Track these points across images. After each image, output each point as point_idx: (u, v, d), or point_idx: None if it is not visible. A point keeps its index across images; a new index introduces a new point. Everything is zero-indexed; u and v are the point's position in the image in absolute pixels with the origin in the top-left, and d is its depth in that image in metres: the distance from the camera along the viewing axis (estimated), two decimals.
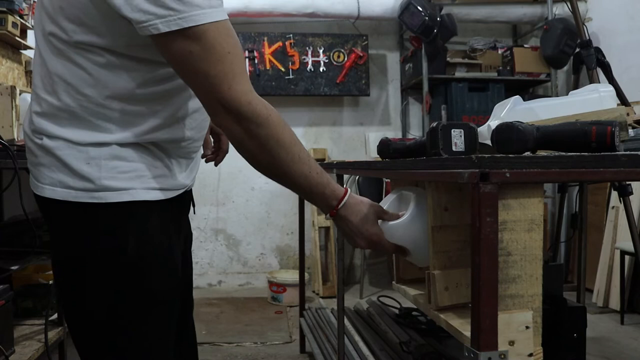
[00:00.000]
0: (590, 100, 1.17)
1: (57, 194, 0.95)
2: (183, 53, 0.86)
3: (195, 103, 1.03)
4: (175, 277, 1.01)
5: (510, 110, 1.22)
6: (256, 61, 4.11)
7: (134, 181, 0.96)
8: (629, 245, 2.77)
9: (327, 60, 4.17)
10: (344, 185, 1.10)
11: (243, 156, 0.96)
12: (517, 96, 1.27)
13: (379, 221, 1.10)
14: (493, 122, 1.15)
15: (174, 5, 0.82)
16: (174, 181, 1.02)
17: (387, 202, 1.23)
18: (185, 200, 1.13)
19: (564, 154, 0.77)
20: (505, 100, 1.27)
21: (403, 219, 1.11)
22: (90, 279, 0.95)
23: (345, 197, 1.02)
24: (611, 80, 2.39)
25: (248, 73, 0.92)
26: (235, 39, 0.90)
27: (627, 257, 3.12)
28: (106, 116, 0.94)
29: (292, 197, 4.25)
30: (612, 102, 1.16)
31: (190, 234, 1.24)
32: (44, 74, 0.96)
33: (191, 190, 1.18)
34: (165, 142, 1.00)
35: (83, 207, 0.94)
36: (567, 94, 1.31)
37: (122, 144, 0.95)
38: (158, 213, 0.99)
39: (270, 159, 0.93)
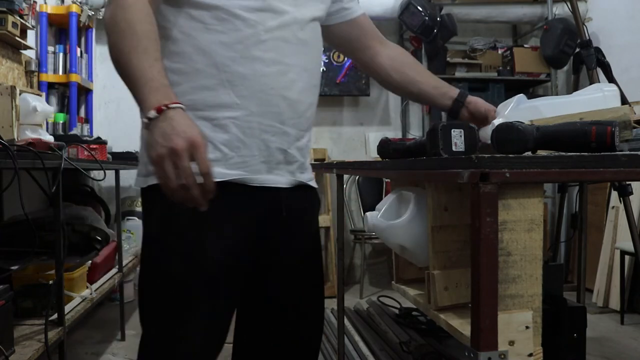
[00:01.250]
0: (594, 100, 1.17)
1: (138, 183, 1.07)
2: None
3: (249, 63, 1.00)
4: (198, 266, 1.00)
5: (515, 109, 1.22)
6: None
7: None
8: (629, 245, 2.77)
9: (327, 60, 4.17)
10: (344, 186, 1.09)
11: None
12: (521, 94, 1.28)
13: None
14: (497, 121, 1.15)
15: None
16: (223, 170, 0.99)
17: (387, 202, 1.23)
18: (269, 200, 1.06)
19: (563, 154, 0.77)
20: (509, 99, 1.28)
21: (403, 218, 1.11)
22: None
23: (179, 104, 0.88)
24: (611, 80, 2.39)
25: None
26: None
27: (627, 257, 3.12)
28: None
29: None
30: (616, 101, 1.16)
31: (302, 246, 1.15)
32: None
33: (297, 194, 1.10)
34: (192, 108, 0.96)
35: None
36: (567, 94, 1.31)
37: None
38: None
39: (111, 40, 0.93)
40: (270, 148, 1.04)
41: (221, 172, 0.99)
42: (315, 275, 1.18)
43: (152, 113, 0.84)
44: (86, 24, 3.66)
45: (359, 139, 4.45)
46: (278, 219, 1.08)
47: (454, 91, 1.35)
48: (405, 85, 1.34)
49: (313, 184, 1.16)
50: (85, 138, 2.99)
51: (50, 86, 3.43)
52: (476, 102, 1.37)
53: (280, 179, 1.07)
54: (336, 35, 1.31)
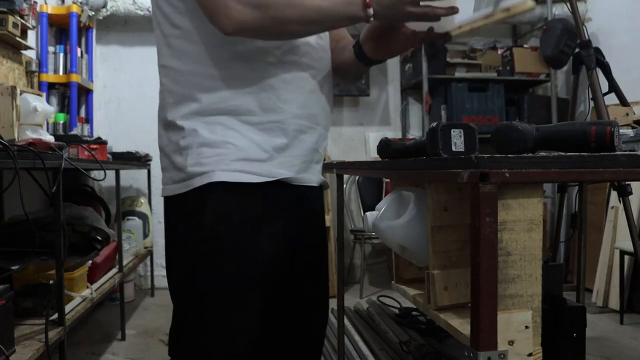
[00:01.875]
0: None
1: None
2: None
3: (288, 67, 1.04)
4: (248, 264, 1.01)
5: None
6: None
7: (214, 164, 0.99)
8: (628, 245, 2.77)
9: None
10: (344, 186, 1.10)
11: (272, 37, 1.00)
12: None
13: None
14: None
15: None
16: (256, 166, 1.01)
17: (387, 202, 1.23)
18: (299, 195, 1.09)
19: (563, 154, 0.77)
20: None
21: (403, 218, 1.11)
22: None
23: None
24: (611, 80, 2.39)
25: None
26: None
27: (626, 257, 3.13)
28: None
29: None
30: None
31: (314, 245, 1.18)
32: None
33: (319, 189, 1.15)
34: (235, 113, 1.00)
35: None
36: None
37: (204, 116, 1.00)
38: (238, 196, 0.99)
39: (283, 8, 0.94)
40: (308, 148, 1.09)
41: (270, 172, 1.02)
42: (326, 270, 1.23)
43: (370, 12, 0.95)
44: (86, 24, 3.66)
45: (359, 139, 4.45)
46: (311, 216, 1.14)
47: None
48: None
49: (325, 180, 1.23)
50: (85, 138, 3.00)
51: (51, 86, 3.43)
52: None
53: (314, 178, 1.12)
54: None
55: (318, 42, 1.12)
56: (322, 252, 1.21)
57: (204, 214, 1.01)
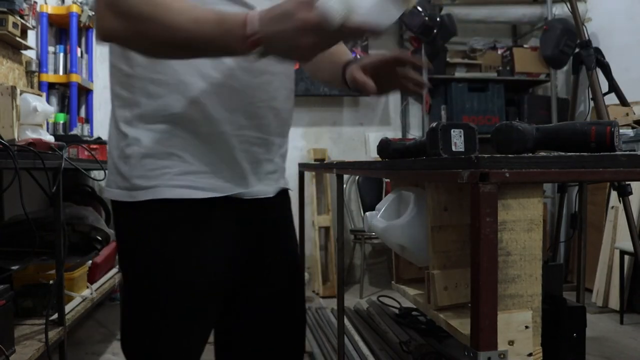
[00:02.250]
0: None
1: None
2: None
3: (238, 74, 0.95)
4: (189, 285, 1.00)
5: None
6: None
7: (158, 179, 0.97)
8: (628, 245, 2.77)
9: None
10: (344, 186, 1.08)
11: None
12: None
13: (379, 218, 1.10)
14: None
15: None
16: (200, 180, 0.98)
17: (387, 202, 1.23)
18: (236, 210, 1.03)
19: (563, 154, 0.77)
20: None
21: (402, 218, 1.11)
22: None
23: (250, 15, 0.77)
24: (611, 80, 2.39)
25: None
26: None
27: (626, 257, 3.13)
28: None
29: (292, 198, 4.25)
30: None
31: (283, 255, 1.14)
32: None
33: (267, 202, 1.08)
34: (179, 122, 0.95)
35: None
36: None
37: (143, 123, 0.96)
38: (181, 214, 0.97)
39: (149, 28, 0.82)
40: (260, 160, 1.03)
41: (217, 186, 0.98)
42: (298, 275, 1.19)
43: (254, 54, 0.78)
44: (87, 24, 3.66)
45: (359, 139, 4.45)
46: (267, 226, 1.09)
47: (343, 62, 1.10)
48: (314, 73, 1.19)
49: (288, 186, 1.18)
50: (85, 138, 3.00)
51: (51, 86, 3.43)
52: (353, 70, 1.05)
53: (269, 189, 1.07)
54: None
55: None
56: (288, 255, 1.16)
57: (148, 230, 0.99)
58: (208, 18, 0.79)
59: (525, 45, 4.35)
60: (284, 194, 1.15)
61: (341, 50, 1.14)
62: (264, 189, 1.06)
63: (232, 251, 1.04)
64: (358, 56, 1.07)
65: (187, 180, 0.97)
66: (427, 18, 3.68)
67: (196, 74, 0.95)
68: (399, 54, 1.04)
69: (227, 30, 0.78)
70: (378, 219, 1.21)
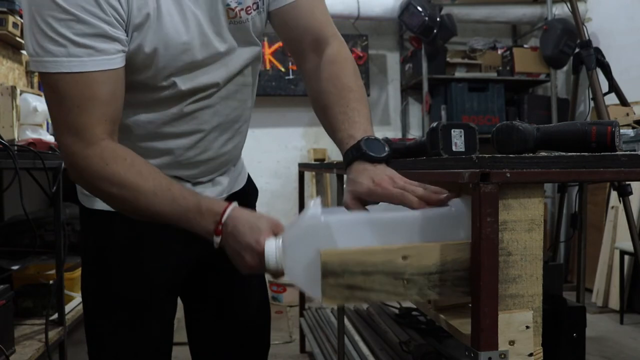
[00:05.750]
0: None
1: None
2: (45, 95, 0.88)
3: (164, 139, 0.99)
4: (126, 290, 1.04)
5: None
6: None
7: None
8: (628, 245, 2.77)
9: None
10: (344, 186, 1.06)
11: None
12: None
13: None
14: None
15: (35, 48, 0.82)
16: None
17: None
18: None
19: (564, 154, 0.77)
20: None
21: None
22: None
23: (225, 215, 0.84)
24: (611, 80, 2.39)
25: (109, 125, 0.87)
26: (95, 92, 0.83)
27: (626, 257, 3.13)
28: None
29: (292, 198, 4.25)
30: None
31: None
32: None
33: None
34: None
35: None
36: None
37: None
38: (119, 223, 0.99)
39: (120, 202, 0.87)
40: (198, 181, 1.08)
41: None
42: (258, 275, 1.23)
43: (217, 240, 0.84)
44: None
45: None
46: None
47: (347, 145, 0.94)
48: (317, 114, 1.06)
49: (245, 181, 1.21)
50: None
51: None
52: (355, 180, 0.88)
53: (213, 195, 1.09)
54: (277, 32, 1.08)
55: (221, 96, 1.00)
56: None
57: (89, 237, 1.08)
58: (182, 207, 0.85)
59: (525, 45, 4.35)
60: (240, 194, 1.17)
61: (343, 127, 0.97)
62: (210, 195, 1.08)
63: (176, 258, 1.06)
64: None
65: None
66: (427, 18, 3.68)
67: (126, 138, 0.95)
68: (395, 196, 0.82)
69: (202, 217, 0.85)
70: None
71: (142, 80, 0.91)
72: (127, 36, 0.86)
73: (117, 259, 1.04)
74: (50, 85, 0.83)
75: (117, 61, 0.85)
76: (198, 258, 1.11)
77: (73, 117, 0.83)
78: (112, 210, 0.95)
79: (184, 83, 0.94)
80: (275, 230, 0.83)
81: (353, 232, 0.76)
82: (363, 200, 0.85)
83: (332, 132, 0.98)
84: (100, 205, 0.99)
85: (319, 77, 1.00)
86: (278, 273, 0.81)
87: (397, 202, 0.80)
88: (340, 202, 1.91)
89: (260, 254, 0.80)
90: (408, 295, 0.75)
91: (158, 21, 0.87)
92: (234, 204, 0.86)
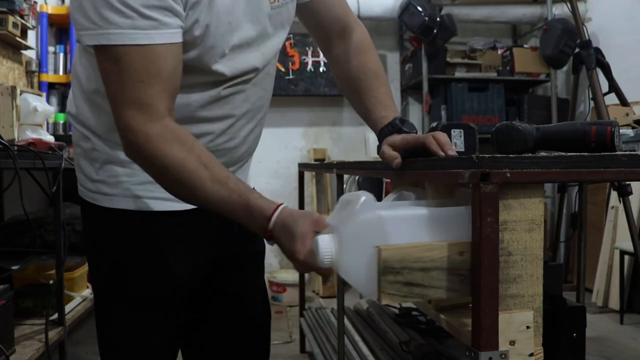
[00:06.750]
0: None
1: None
2: (102, 69, 0.84)
3: (197, 123, 0.98)
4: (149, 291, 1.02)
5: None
6: None
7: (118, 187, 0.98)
8: (628, 245, 2.77)
9: (327, 61, 4.17)
10: (344, 185, 1.08)
11: None
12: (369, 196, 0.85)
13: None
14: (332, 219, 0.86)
15: (95, 19, 0.79)
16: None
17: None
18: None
19: (563, 154, 0.77)
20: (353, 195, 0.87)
21: None
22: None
23: (274, 216, 0.85)
24: (611, 80, 2.39)
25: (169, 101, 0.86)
26: (159, 66, 0.82)
27: (626, 257, 3.13)
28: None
29: (292, 198, 4.25)
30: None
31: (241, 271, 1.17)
32: None
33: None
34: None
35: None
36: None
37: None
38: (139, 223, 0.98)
39: (175, 186, 0.86)
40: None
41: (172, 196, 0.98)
42: (262, 282, 1.25)
43: (269, 242, 0.85)
44: None
45: (359, 139, 4.45)
46: (227, 232, 1.10)
47: (381, 123, 1.05)
48: (348, 97, 1.17)
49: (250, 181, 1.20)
50: None
51: (51, 86, 3.43)
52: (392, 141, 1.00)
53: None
54: (303, 21, 1.17)
55: (255, 82, 1.02)
56: (248, 252, 1.19)
57: (108, 234, 1.02)
58: (236, 204, 0.84)
59: (525, 45, 4.35)
60: None
61: (376, 106, 1.08)
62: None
63: (191, 261, 1.05)
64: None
65: (145, 190, 0.98)
66: (427, 18, 3.68)
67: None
68: (429, 143, 0.91)
69: (252, 219, 0.85)
70: None
71: (188, 61, 0.90)
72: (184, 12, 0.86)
73: (140, 258, 1.01)
74: (112, 58, 0.81)
75: (179, 36, 0.84)
76: (216, 258, 1.10)
77: (136, 91, 0.82)
78: (134, 209, 0.96)
79: (227, 65, 0.94)
80: (317, 228, 0.83)
81: (405, 228, 0.76)
82: (396, 147, 0.96)
83: (365, 113, 1.09)
84: (122, 204, 0.98)
85: (350, 63, 1.12)
86: (331, 271, 0.81)
87: (421, 143, 0.92)
88: None
89: (311, 254, 0.80)
90: (465, 292, 0.76)
91: (210, 1, 0.88)
92: (283, 206, 0.86)
